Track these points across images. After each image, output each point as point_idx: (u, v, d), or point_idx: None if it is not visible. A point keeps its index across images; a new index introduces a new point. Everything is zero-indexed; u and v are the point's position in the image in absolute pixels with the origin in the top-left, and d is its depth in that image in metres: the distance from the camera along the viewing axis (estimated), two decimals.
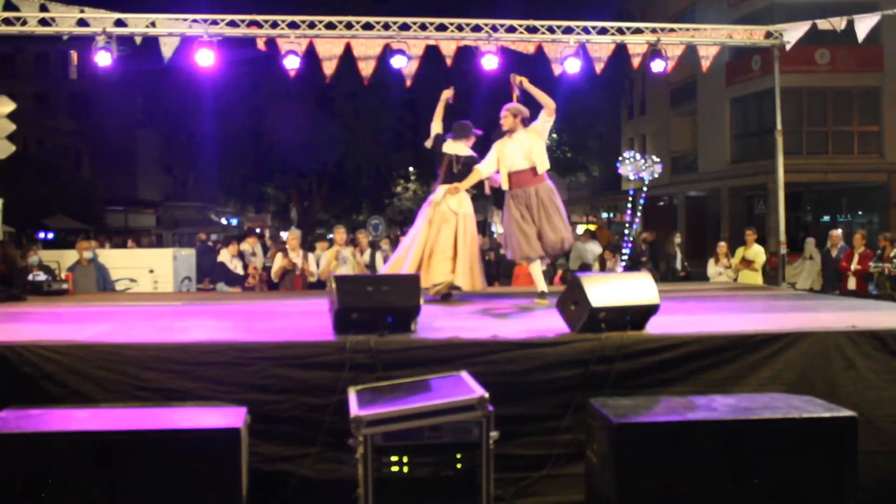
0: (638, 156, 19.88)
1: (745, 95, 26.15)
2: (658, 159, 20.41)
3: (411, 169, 28.85)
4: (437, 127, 7.41)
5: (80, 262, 10.17)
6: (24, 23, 8.91)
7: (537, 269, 7.10)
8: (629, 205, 20.35)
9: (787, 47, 9.80)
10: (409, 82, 9.61)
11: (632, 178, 19.67)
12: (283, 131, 21.13)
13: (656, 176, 19.61)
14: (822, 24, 9.64)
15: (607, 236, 18.43)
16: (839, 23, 9.59)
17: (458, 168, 7.21)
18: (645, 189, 20.36)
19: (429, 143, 7.47)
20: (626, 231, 19.11)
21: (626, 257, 15.53)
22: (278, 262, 10.24)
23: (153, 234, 35.69)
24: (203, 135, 21.75)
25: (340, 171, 24.18)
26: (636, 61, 9.83)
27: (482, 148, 7.38)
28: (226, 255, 11.31)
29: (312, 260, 10.47)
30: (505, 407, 3.93)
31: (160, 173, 43.02)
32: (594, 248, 13.77)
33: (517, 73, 7.26)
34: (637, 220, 19.95)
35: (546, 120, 7.02)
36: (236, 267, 11.16)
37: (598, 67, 9.74)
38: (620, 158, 20.25)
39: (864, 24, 9.55)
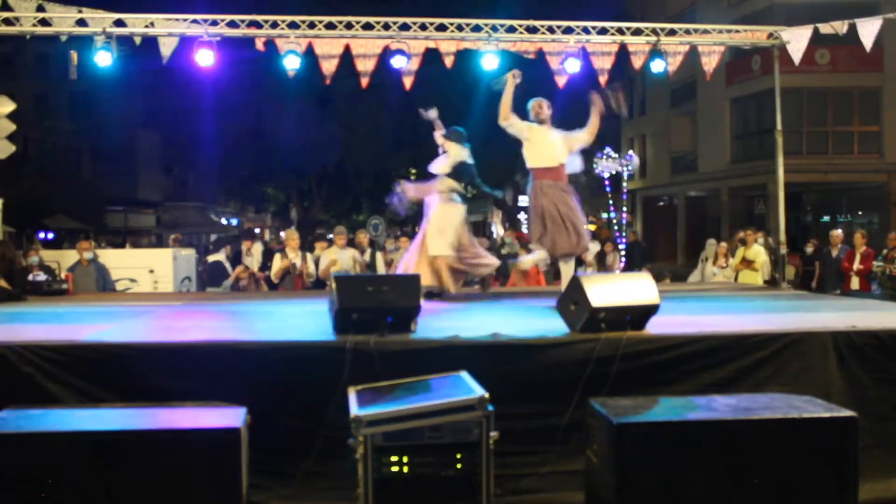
0: (610, 150, 19.94)
1: (745, 95, 26.16)
2: (632, 153, 20.47)
3: (412, 169, 28.90)
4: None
5: (80, 262, 10.17)
6: (24, 23, 8.90)
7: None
8: (610, 202, 20.41)
9: (796, 61, 9.76)
10: (408, 83, 9.61)
11: (606, 174, 19.73)
12: (283, 131, 21.14)
13: (631, 169, 19.63)
14: (824, 28, 9.63)
15: (607, 235, 18.48)
16: (841, 27, 9.57)
17: None
18: (625, 185, 20.36)
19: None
20: (616, 227, 19.19)
21: (622, 253, 15.57)
22: (277, 263, 10.23)
23: (153, 234, 35.75)
24: (203, 135, 21.75)
25: (340, 171, 24.21)
26: (636, 62, 9.82)
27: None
28: (220, 257, 11.33)
29: (311, 260, 10.46)
30: (505, 406, 3.94)
31: (160, 173, 42.99)
32: (591, 248, 13.74)
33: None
34: (625, 216, 19.95)
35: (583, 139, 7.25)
36: (230, 268, 11.20)
37: (602, 78, 9.73)
38: (595, 159, 20.34)
39: (868, 30, 9.50)
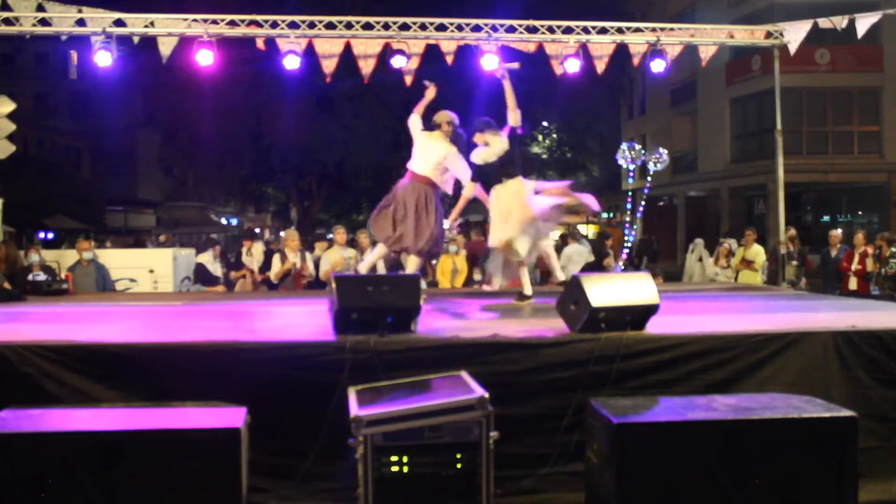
0: (637, 146, 19.78)
1: (745, 95, 26.16)
2: (664, 150, 20.24)
3: None
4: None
5: (80, 262, 10.17)
6: (24, 23, 8.90)
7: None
8: (629, 205, 20.26)
9: (791, 51, 9.77)
10: (409, 81, 9.61)
11: (631, 167, 19.55)
12: (283, 131, 21.13)
13: (660, 167, 19.41)
14: (823, 23, 9.63)
15: (619, 236, 18.31)
16: (840, 21, 9.58)
17: None
18: (649, 179, 20.11)
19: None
20: (626, 232, 19.03)
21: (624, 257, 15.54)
22: (277, 265, 10.23)
23: (153, 234, 35.72)
24: (203, 135, 21.73)
25: (340, 171, 24.19)
26: (636, 61, 9.83)
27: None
28: (206, 258, 11.34)
29: (311, 260, 10.47)
30: (505, 407, 3.94)
31: (160, 173, 43.00)
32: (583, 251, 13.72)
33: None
34: (640, 210, 19.73)
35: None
36: (215, 269, 11.20)
37: (599, 67, 9.74)
38: (620, 150, 20.12)
39: (864, 22, 9.55)
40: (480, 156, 7.04)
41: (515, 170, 7.02)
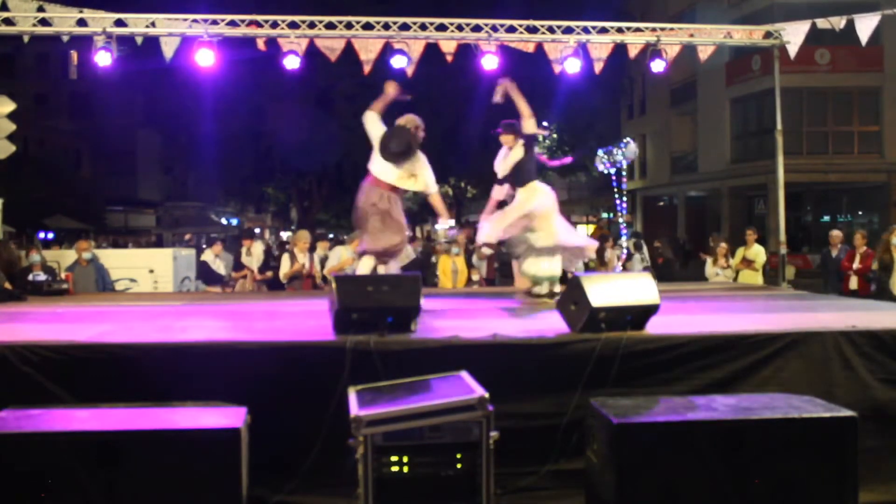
0: (614, 148, 19.79)
1: (745, 95, 26.18)
2: (628, 139, 20.32)
3: None
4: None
5: (79, 262, 10.17)
6: (24, 23, 8.90)
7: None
8: (620, 208, 20.25)
9: (792, 53, 9.77)
10: (409, 74, 9.60)
11: (612, 171, 19.57)
12: (283, 131, 21.15)
13: (627, 153, 19.39)
14: (822, 24, 9.63)
15: (603, 232, 18.40)
16: (839, 22, 9.58)
17: None
18: (623, 173, 20.12)
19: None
20: (623, 233, 19.04)
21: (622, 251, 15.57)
22: (286, 266, 10.20)
23: (153, 234, 35.76)
24: (203, 135, 21.74)
25: (340, 171, 24.21)
26: (635, 56, 9.85)
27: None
28: (209, 255, 11.33)
29: (317, 260, 10.45)
30: (505, 406, 3.93)
31: (160, 173, 43.04)
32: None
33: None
34: (624, 205, 19.76)
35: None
36: (219, 267, 11.18)
37: (598, 67, 9.75)
38: (598, 157, 20.21)
39: (866, 25, 9.53)
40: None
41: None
